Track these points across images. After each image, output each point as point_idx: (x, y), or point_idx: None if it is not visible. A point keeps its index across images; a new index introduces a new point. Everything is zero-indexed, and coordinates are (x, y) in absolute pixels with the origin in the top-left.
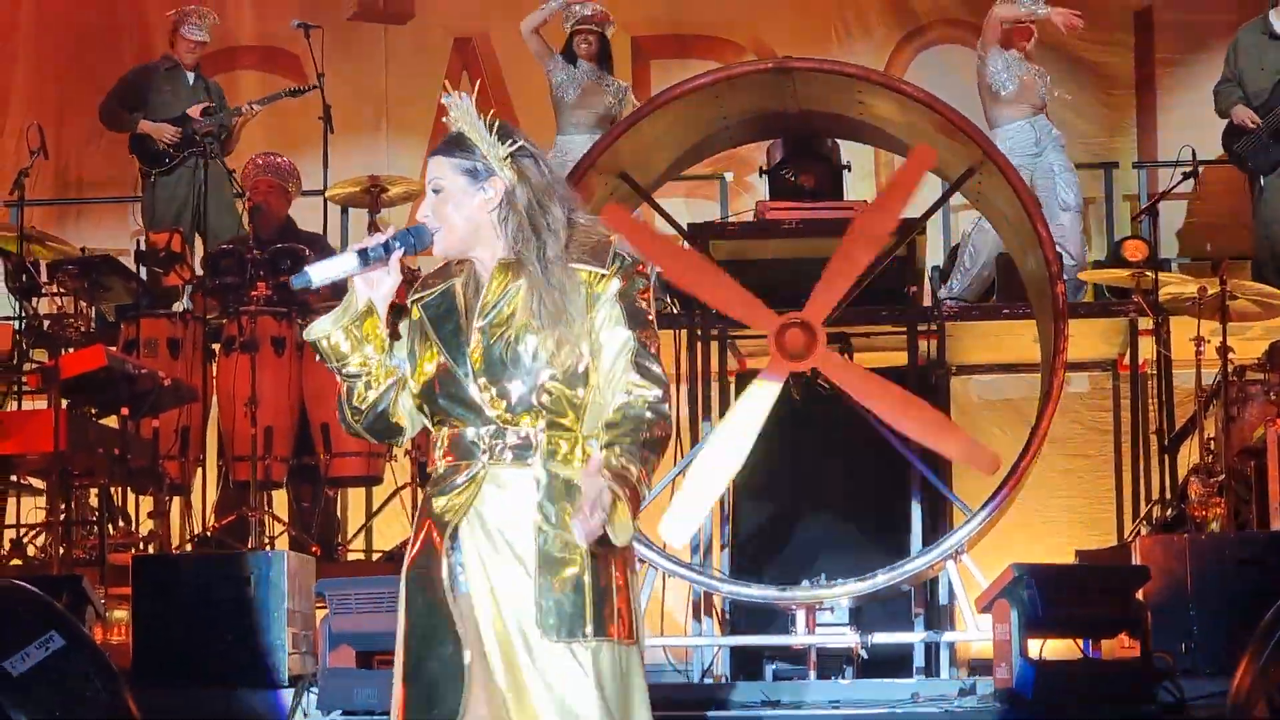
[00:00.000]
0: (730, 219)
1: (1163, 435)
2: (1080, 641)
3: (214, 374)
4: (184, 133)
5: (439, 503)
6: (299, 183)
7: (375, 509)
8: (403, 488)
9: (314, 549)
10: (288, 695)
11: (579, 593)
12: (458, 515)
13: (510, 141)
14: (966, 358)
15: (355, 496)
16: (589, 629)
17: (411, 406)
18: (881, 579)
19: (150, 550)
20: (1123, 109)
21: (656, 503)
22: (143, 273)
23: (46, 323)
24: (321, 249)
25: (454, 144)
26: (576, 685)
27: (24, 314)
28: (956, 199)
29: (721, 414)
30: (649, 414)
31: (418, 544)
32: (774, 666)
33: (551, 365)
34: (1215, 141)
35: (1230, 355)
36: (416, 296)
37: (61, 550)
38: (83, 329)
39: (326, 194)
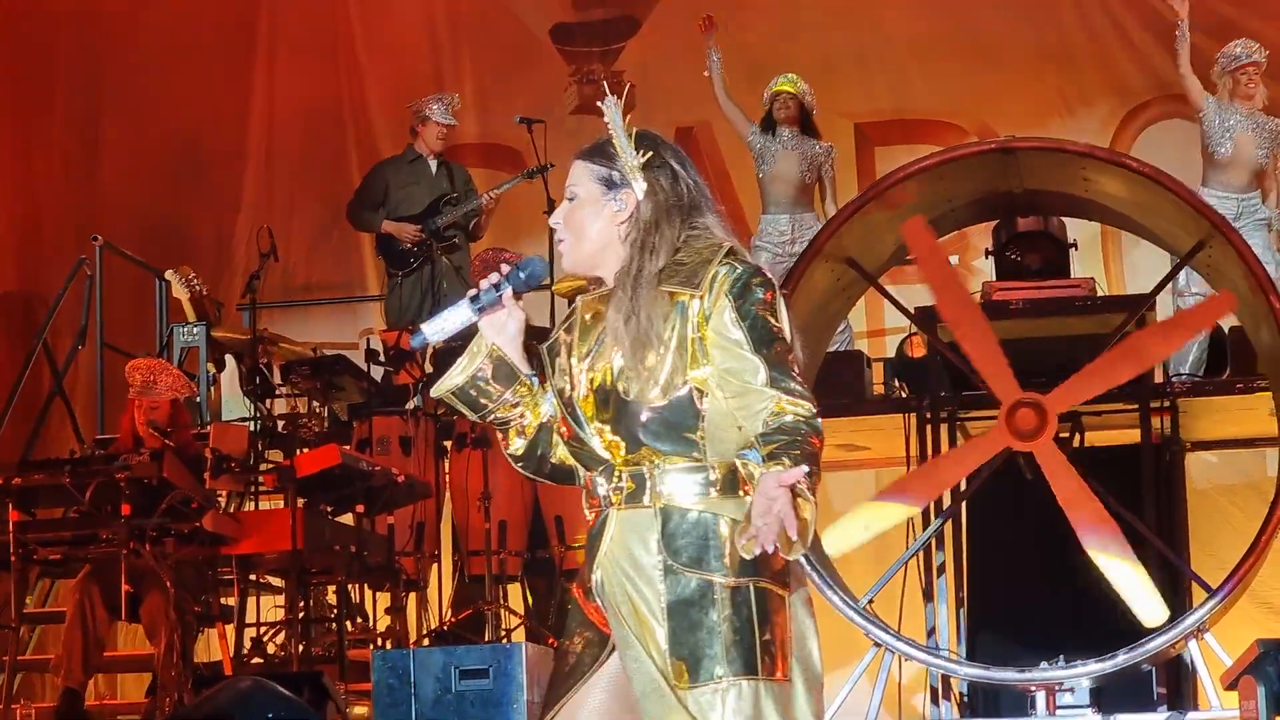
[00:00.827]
0: None
1: None
2: None
3: (446, 470)
4: (425, 229)
5: (587, 556)
6: None
7: None
8: None
9: (550, 641)
10: None
11: (712, 633)
12: (596, 568)
13: (645, 150)
14: (1200, 433)
15: None
16: (721, 670)
17: None
18: (1122, 658)
19: (388, 646)
20: None
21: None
22: (374, 371)
23: (281, 423)
24: None
25: (597, 150)
26: None
27: (259, 415)
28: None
29: (952, 498)
30: (805, 427)
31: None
32: None
33: (649, 399)
34: None
35: None
36: (551, 339)
37: (301, 647)
38: (317, 428)
39: (554, 288)
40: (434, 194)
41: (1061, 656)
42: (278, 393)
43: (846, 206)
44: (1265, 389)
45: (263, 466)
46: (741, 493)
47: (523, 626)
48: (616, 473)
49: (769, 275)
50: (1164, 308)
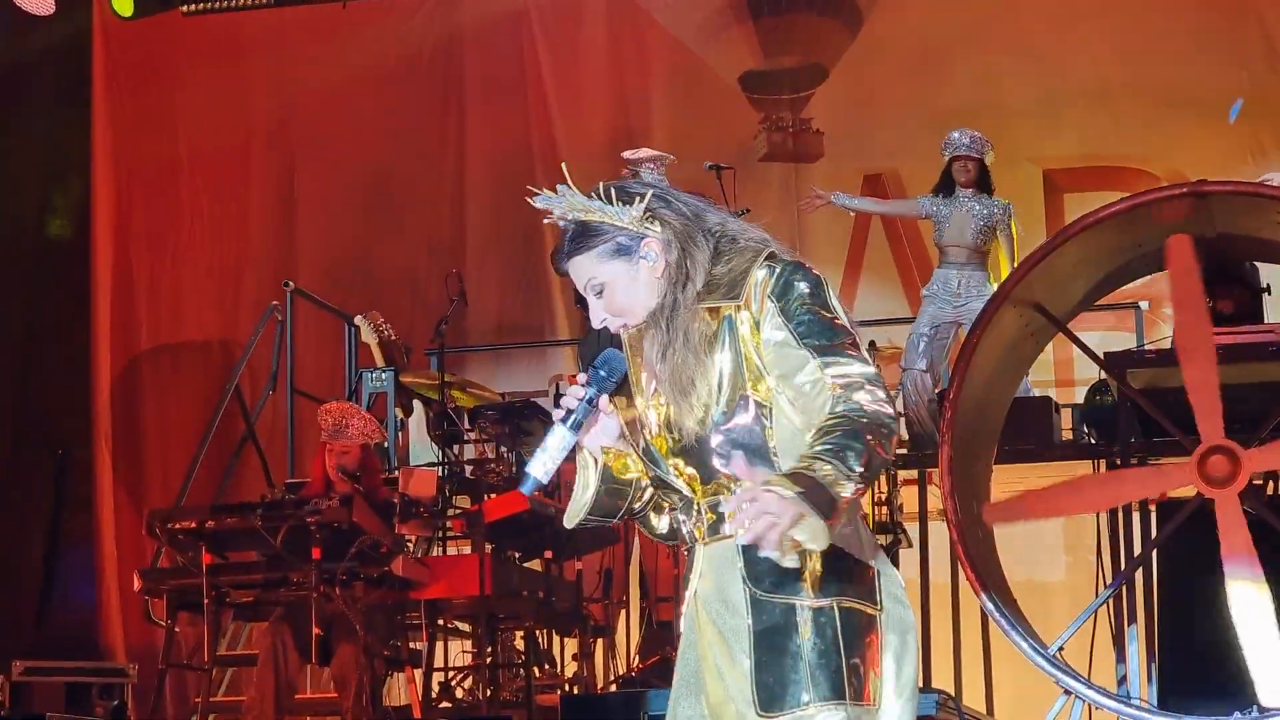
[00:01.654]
0: (1147, 347)
1: None
2: None
3: None
4: None
5: (677, 596)
6: None
7: None
8: None
9: None
10: None
11: (796, 657)
12: (688, 604)
13: (637, 198)
14: None
15: None
16: (806, 696)
17: None
18: None
19: (576, 691)
20: None
21: None
22: None
23: (469, 468)
24: None
25: (582, 236)
26: None
27: (447, 460)
28: None
29: (1143, 544)
30: (860, 420)
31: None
32: None
33: (713, 425)
34: None
35: None
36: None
37: (489, 692)
38: (505, 474)
39: None
40: None
41: (1255, 707)
42: (466, 438)
43: (1036, 252)
44: None
45: (451, 512)
46: None
47: None
48: (697, 506)
49: (810, 268)
50: None
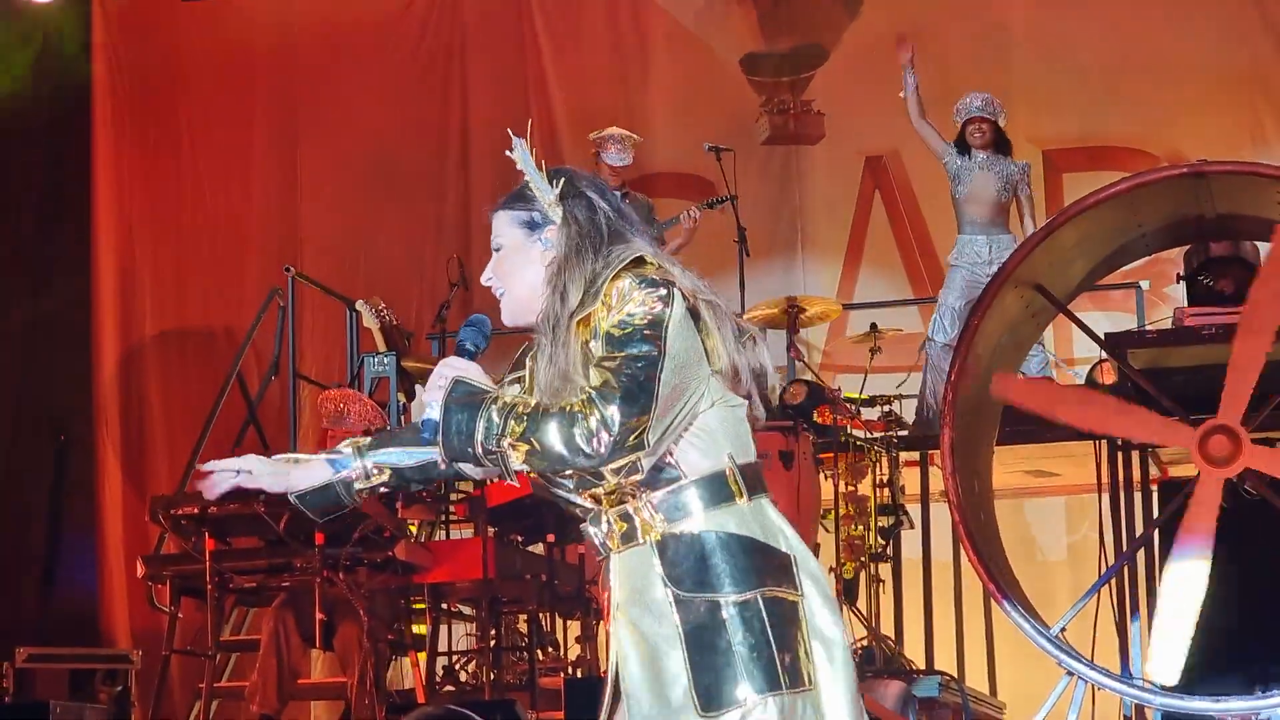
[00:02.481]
0: (1147, 327)
1: None
2: None
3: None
4: None
5: (601, 605)
6: None
7: None
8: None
9: None
10: None
11: (729, 655)
12: (608, 615)
13: (560, 180)
14: None
15: None
16: (742, 692)
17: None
18: None
19: (579, 674)
20: None
21: None
22: None
23: None
24: None
25: (515, 196)
26: None
27: None
28: None
29: (1145, 524)
30: (552, 419)
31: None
32: None
33: None
34: None
35: None
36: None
37: (493, 675)
38: None
39: (745, 317)
40: None
41: (1259, 688)
42: None
43: (1036, 233)
44: None
45: (453, 496)
46: (736, 501)
47: None
48: (605, 517)
49: (663, 282)
50: None
